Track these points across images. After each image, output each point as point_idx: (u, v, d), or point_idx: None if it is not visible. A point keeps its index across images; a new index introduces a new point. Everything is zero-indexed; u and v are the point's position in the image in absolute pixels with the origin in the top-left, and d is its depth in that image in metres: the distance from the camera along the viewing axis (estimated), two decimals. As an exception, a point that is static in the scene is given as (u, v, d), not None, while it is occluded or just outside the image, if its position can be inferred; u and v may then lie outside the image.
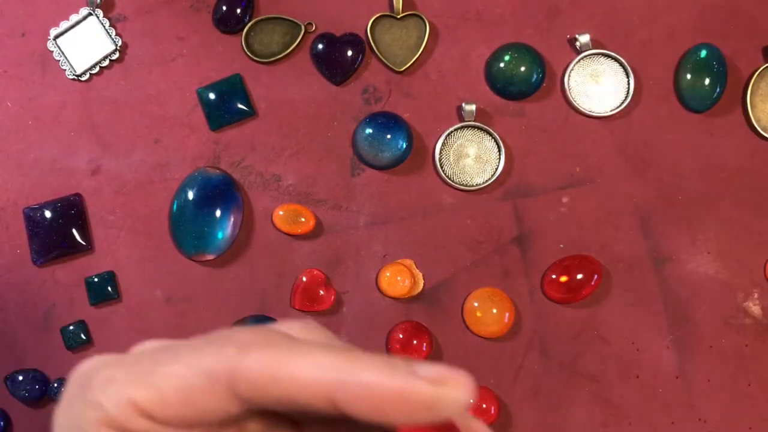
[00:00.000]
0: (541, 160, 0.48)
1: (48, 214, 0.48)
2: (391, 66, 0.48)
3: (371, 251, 0.48)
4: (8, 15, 0.50)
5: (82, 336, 0.48)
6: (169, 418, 0.19)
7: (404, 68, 0.48)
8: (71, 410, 0.20)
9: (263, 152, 0.49)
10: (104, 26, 0.49)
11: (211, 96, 0.48)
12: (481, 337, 0.47)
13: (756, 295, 0.47)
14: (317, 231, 0.48)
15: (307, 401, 0.18)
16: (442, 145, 0.48)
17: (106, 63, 0.49)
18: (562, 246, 0.47)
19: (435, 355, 0.47)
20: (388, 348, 0.47)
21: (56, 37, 0.49)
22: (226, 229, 0.47)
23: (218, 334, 0.19)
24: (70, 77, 0.49)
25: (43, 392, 0.47)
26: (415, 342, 0.46)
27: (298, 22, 0.49)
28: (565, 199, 0.48)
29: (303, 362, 0.18)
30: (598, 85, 0.48)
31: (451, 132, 0.48)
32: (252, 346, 0.18)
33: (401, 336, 0.46)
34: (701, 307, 0.47)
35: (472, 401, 0.18)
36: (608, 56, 0.48)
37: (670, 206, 0.48)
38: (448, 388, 0.18)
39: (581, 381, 0.47)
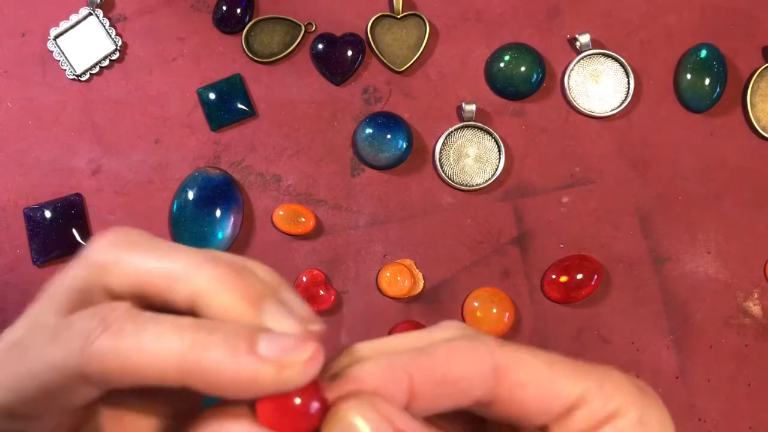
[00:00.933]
0: (541, 160, 0.48)
1: (48, 214, 0.48)
2: (391, 66, 0.49)
3: (371, 251, 0.48)
4: (8, 15, 0.50)
5: (83, 336, 0.48)
6: (35, 412, 0.19)
7: (404, 68, 0.48)
8: None
9: (263, 152, 0.49)
10: (104, 26, 0.49)
11: (212, 96, 0.48)
12: (481, 337, 0.47)
13: (756, 295, 0.47)
14: (317, 231, 0.48)
15: (159, 384, 0.18)
16: (442, 145, 0.48)
17: (106, 63, 0.49)
18: (562, 246, 0.47)
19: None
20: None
21: (56, 37, 0.49)
22: (226, 229, 0.47)
23: (65, 323, 0.19)
24: (70, 77, 0.49)
25: (44, 392, 0.47)
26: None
27: (298, 22, 0.49)
28: (565, 199, 0.48)
29: (147, 350, 0.18)
30: (598, 85, 0.48)
31: (451, 132, 0.48)
32: (97, 335, 0.18)
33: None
34: (701, 307, 0.47)
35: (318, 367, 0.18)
36: (608, 56, 0.48)
37: (670, 206, 0.48)
38: (291, 370, 0.18)
39: None
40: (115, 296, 0.20)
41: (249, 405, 0.19)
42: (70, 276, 0.20)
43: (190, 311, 0.19)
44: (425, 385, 0.20)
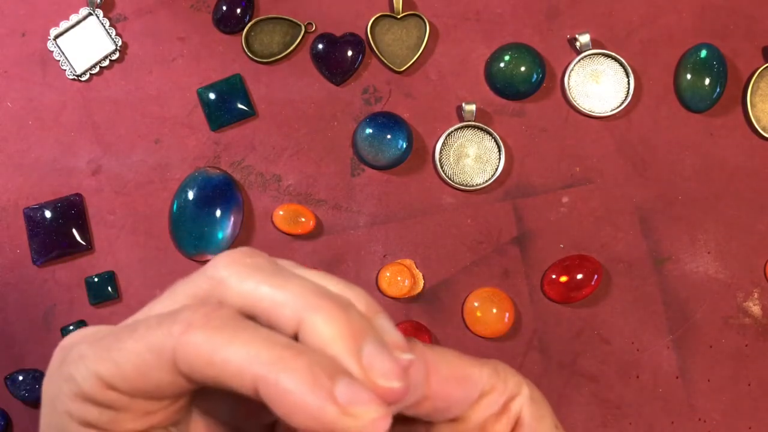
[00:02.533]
0: (541, 160, 0.48)
1: (48, 214, 0.48)
2: (391, 66, 0.49)
3: (371, 251, 0.48)
4: (8, 15, 0.50)
5: (83, 336, 0.48)
6: (131, 390, 0.20)
7: (404, 68, 0.48)
8: (52, 382, 0.21)
9: (263, 152, 0.49)
10: (104, 26, 0.49)
11: (212, 96, 0.48)
12: (481, 337, 0.47)
13: (756, 295, 0.47)
14: (317, 231, 0.48)
15: (235, 387, 0.19)
16: (442, 145, 0.48)
17: (106, 63, 0.49)
18: (562, 246, 0.47)
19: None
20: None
21: (56, 37, 0.49)
22: (226, 229, 0.47)
23: (174, 312, 0.20)
24: (70, 77, 0.49)
25: (44, 392, 0.47)
26: (415, 342, 0.46)
27: (298, 22, 0.49)
28: (565, 199, 0.48)
29: (235, 351, 0.19)
30: (598, 85, 0.48)
31: (451, 132, 0.48)
32: (196, 326, 0.19)
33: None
34: (701, 307, 0.47)
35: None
36: (608, 56, 0.48)
37: (670, 206, 0.48)
38: (353, 421, 0.18)
39: (581, 381, 0.47)
40: None
41: None
42: (191, 283, 0.21)
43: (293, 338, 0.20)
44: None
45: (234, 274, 0.21)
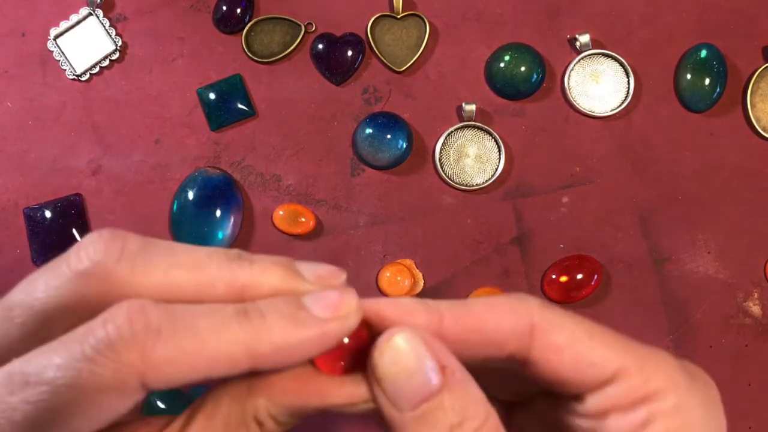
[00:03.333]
0: (541, 160, 0.48)
1: (48, 214, 0.48)
2: (391, 66, 0.49)
3: (371, 251, 0.48)
4: (8, 15, 0.50)
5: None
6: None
7: (404, 68, 0.48)
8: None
9: (263, 152, 0.49)
10: (104, 26, 0.49)
11: (211, 96, 0.48)
12: (481, 337, 0.47)
13: (756, 295, 0.47)
14: (317, 231, 0.48)
15: (227, 373, 0.19)
16: (442, 145, 0.48)
17: (106, 63, 0.49)
18: (562, 246, 0.47)
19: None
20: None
21: (56, 37, 0.49)
22: (226, 229, 0.47)
23: (97, 337, 0.18)
24: (71, 77, 0.49)
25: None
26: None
27: (298, 22, 0.49)
28: (565, 199, 0.48)
29: (211, 345, 0.18)
30: (598, 85, 0.48)
31: (451, 132, 0.48)
32: (150, 342, 0.18)
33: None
34: (701, 307, 0.47)
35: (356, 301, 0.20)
36: (608, 56, 0.48)
37: (670, 206, 0.48)
38: (346, 317, 0.20)
39: None
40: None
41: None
42: (54, 284, 0.19)
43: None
44: (456, 329, 0.21)
45: (129, 265, 0.19)
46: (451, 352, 0.21)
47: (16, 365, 0.18)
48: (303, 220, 0.47)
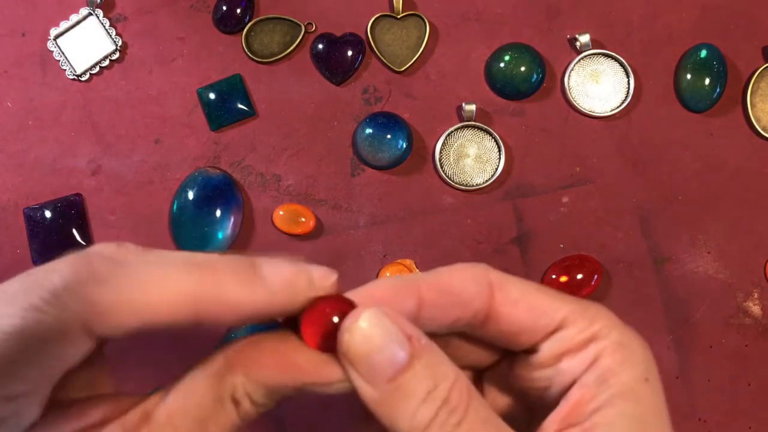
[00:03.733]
0: (541, 160, 0.48)
1: (48, 214, 0.48)
2: (391, 66, 0.49)
3: (371, 251, 0.48)
4: (8, 15, 0.50)
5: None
6: (34, 390, 0.19)
7: (404, 68, 0.48)
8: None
9: (263, 152, 0.49)
10: (104, 26, 0.49)
11: (211, 96, 0.48)
12: (481, 337, 0.47)
13: (756, 295, 0.47)
14: (317, 231, 0.48)
15: (171, 321, 0.19)
16: (442, 145, 0.48)
17: (106, 63, 0.49)
18: (562, 246, 0.47)
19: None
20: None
21: (56, 37, 0.49)
22: (226, 229, 0.47)
23: (66, 275, 0.19)
24: (70, 77, 0.49)
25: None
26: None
27: (298, 22, 0.49)
28: (565, 199, 0.48)
29: (155, 290, 0.19)
30: (598, 85, 0.48)
31: (451, 132, 0.48)
32: (96, 286, 0.18)
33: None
34: (701, 307, 0.47)
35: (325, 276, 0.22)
36: (608, 56, 0.48)
37: (670, 206, 0.48)
38: (296, 291, 0.21)
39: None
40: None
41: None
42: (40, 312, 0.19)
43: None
44: (431, 294, 0.23)
45: (106, 295, 0.19)
46: (427, 318, 0.23)
47: None
48: (303, 220, 0.47)
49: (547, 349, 0.24)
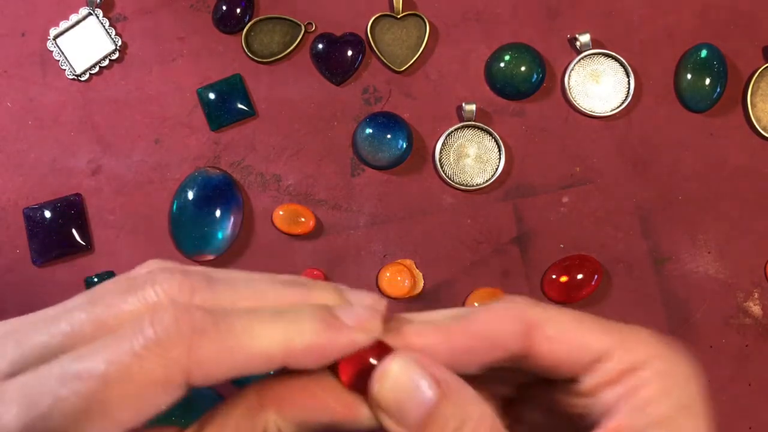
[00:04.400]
0: (541, 160, 0.48)
1: (48, 214, 0.48)
2: (391, 66, 0.48)
3: (371, 251, 0.48)
4: (8, 15, 0.50)
5: (82, 336, 0.48)
6: (116, 430, 0.19)
7: (404, 68, 0.48)
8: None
9: (263, 152, 0.49)
10: (104, 26, 0.49)
11: (211, 96, 0.48)
12: (481, 337, 0.47)
13: (756, 295, 0.47)
14: (317, 231, 0.48)
15: (263, 368, 0.20)
16: (442, 145, 0.48)
17: (105, 63, 0.49)
18: (562, 246, 0.47)
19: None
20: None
21: (56, 37, 0.49)
22: (226, 230, 0.47)
23: (145, 334, 0.19)
24: (70, 77, 0.49)
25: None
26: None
27: (298, 22, 0.49)
28: (565, 199, 0.48)
29: (252, 344, 0.20)
30: (598, 85, 0.48)
31: (451, 132, 0.48)
32: (196, 339, 0.19)
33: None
34: (701, 307, 0.47)
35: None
36: (608, 56, 0.48)
37: (670, 206, 0.48)
38: (370, 329, 0.22)
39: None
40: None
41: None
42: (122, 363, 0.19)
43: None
44: (464, 341, 0.23)
45: (203, 349, 0.20)
46: (460, 362, 0.23)
47: (67, 361, 0.19)
48: (303, 220, 0.47)
49: (586, 381, 0.24)
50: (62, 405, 0.18)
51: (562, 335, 0.24)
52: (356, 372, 0.22)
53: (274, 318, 0.21)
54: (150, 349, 0.19)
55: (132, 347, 0.19)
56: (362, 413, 0.22)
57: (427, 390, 0.22)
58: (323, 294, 0.23)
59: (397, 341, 0.23)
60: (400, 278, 0.46)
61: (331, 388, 0.22)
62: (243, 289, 0.22)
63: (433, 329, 0.23)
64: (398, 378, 0.22)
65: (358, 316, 0.22)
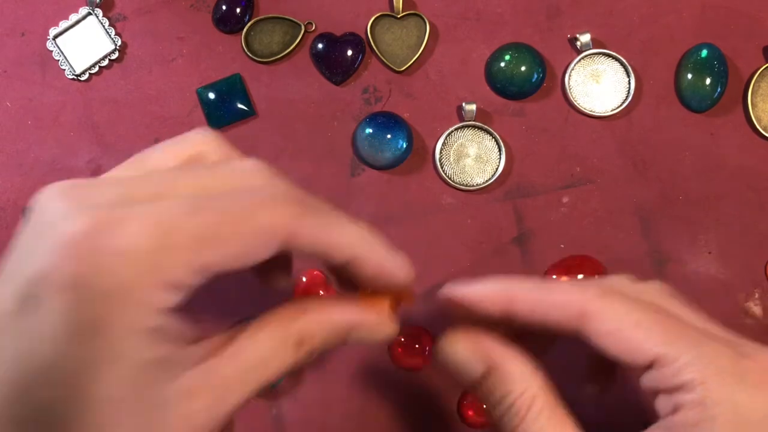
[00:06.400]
0: (542, 160, 0.48)
1: (47, 214, 0.48)
2: (391, 66, 0.48)
3: (371, 251, 0.48)
4: (7, 15, 0.50)
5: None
6: (223, 269, 0.21)
7: (404, 68, 0.48)
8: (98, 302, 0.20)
9: (263, 152, 0.49)
10: (104, 26, 0.49)
11: (211, 96, 0.48)
12: (482, 337, 0.47)
13: (757, 296, 0.47)
14: (317, 231, 0.48)
15: (337, 260, 0.24)
16: (442, 145, 0.48)
17: (105, 63, 0.49)
18: (562, 246, 0.47)
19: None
20: (388, 348, 0.46)
21: (56, 36, 0.49)
22: (225, 229, 0.47)
23: (274, 191, 0.23)
24: (70, 77, 0.49)
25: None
26: (416, 346, 0.46)
27: (298, 22, 0.49)
28: (565, 199, 0.48)
29: (335, 231, 0.24)
30: (598, 85, 0.48)
31: (452, 132, 0.48)
32: (308, 210, 0.23)
33: (402, 339, 0.46)
34: (701, 308, 0.47)
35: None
36: (609, 56, 0.48)
37: (671, 206, 0.48)
38: (402, 273, 0.28)
39: (582, 381, 0.47)
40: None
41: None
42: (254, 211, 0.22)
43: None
44: (524, 308, 0.27)
45: (304, 220, 0.23)
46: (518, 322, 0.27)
47: (193, 197, 0.22)
48: (303, 220, 0.47)
49: (646, 379, 0.25)
50: (188, 227, 0.20)
51: (614, 333, 0.25)
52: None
53: (351, 221, 0.25)
54: (266, 204, 0.22)
55: (252, 199, 0.22)
56: (386, 324, 0.27)
57: (474, 365, 0.26)
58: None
59: (456, 294, 0.28)
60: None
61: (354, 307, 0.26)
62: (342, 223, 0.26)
63: (492, 291, 0.28)
64: (451, 350, 0.27)
65: (402, 259, 0.28)
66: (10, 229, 0.48)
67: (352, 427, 0.46)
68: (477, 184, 0.47)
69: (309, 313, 0.24)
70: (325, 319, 0.24)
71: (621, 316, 0.25)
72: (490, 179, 0.47)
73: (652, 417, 0.26)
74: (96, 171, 0.49)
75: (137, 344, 0.20)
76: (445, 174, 0.48)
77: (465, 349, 0.27)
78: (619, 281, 0.28)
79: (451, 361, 0.27)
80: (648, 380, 0.25)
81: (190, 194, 0.22)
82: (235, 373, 0.22)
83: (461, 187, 0.48)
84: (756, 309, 0.47)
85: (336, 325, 0.25)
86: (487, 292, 0.28)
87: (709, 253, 0.47)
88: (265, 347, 0.23)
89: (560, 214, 0.48)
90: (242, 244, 0.21)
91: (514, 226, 0.48)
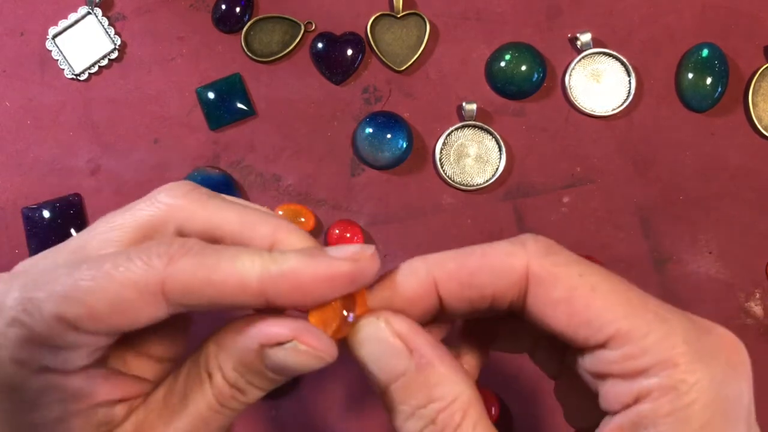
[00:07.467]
0: (542, 160, 0.48)
1: (47, 214, 0.48)
2: (391, 65, 0.48)
3: (371, 251, 0.48)
4: (7, 14, 0.50)
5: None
6: (99, 329, 0.20)
7: (404, 68, 0.48)
8: None
9: (263, 152, 0.48)
10: (103, 25, 0.49)
11: (211, 95, 0.48)
12: (482, 337, 0.47)
13: (757, 296, 0.47)
14: (317, 231, 0.48)
15: (237, 297, 0.20)
16: (443, 145, 0.48)
17: (105, 62, 0.49)
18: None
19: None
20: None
21: (55, 36, 0.49)
22: (225, 229, 0.47)
23: (140, 247, 0.20)
24: (69, 77, 0.49)
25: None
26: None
27: (298, 22, 0.49)
28: (565, 199, 0.48)
29: (230, 266, 0.20)
30: (599, 85, 0.48)
31: (452, 131, 0.48)
32: (180, 256, 0.20)
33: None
34: (702, 308, 0.47)
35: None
36: (609, 55, 0.48)
37: (671, 206, 0.47)
38: (363, 263, 0.20)
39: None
40: (182, 235, 0.22)
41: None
42: (137, 212, 0.22)
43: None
44: (452, 287, 0.21)
45: (195, 201, 0.22)
46: (449, 307, 0.22)
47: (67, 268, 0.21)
48: (303, 220, 0.47)
49: (590, 361, 0.20)
50: (56, 291, 0.19)
51: (566, 300, 0.19)
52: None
53: (252, 250, 0.20)
54: (137, 255, 0.20)
55: (127, 254, 0.20)
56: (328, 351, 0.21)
57: (397, 359, 0.20)
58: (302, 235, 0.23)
59: (379, 292, 0.22)
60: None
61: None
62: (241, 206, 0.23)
63: (416, 281, 0.22)
64: (369, 339, 0.21)
65: (345, 251, 0.20)
66: (9, 229, 0.48)
67: (351, 428, 0.46)
68: (477, 184, 0.47)
69: (219, 340, 0.21)
70: (230, 339, 0.21)
71: (574, 280, 0.19)
72: (490, 179, 0.47)
73: (586, 409, 0.22)
74: (95, 171, 0.49)
75: None
76: (446, 174, 0.47)
77: (391, 336, 0.20)
78: (521, 240, 0.22)
79: (368, 350, 0.21)
80: (594, 363, 0.19)
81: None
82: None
83: (461, 187, 0.47)
84: (756, 309, 0.47)
85: (240, 345, 0.21)
86: (414, 287, 0.22)
87: (710, 253, 0.47)
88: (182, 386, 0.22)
89: (560, 214, 0.48)
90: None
91: (515, 226, 0.47)
